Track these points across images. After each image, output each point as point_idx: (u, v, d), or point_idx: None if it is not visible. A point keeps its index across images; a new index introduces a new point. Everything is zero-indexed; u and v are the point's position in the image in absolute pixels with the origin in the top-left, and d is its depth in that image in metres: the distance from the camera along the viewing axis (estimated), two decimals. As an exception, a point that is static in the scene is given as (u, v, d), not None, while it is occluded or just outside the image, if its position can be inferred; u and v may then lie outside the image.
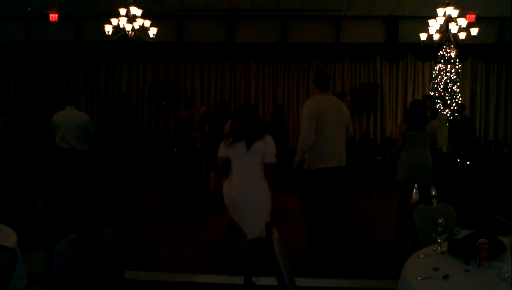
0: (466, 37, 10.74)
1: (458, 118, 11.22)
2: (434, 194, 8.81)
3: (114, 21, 10.54)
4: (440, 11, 10.51)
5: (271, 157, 4.47)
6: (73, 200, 7.19)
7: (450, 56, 11.76)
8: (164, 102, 13.14)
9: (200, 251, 5.82)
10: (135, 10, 10.39)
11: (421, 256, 2.90)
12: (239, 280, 4.72)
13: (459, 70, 12.18)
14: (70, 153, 7.20)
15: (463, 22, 10.57)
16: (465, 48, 11.90)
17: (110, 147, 8.03)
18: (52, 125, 7.38)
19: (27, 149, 7.90)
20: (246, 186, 4.49)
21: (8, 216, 6.97)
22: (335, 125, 5.47)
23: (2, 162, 8.44)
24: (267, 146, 4.47)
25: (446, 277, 2.52)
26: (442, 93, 11.77)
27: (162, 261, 5.46)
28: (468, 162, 10.14)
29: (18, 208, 7.48)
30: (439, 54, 11.89)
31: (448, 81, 11.77)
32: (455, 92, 11.74)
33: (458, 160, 10.15)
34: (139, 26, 10.60)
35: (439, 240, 2.92)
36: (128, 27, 10.43)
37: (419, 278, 2.51)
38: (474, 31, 10.77)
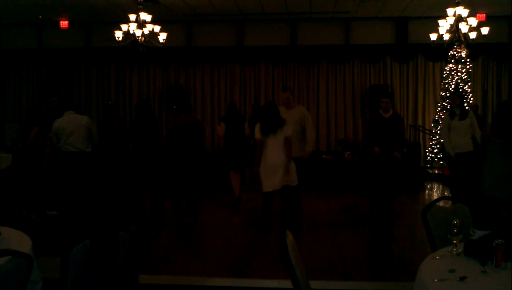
0: (476, 36, 10.67)
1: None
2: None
3: (124, 26, 10.61)
4: (450, 11, 10.44)
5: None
6: (84, 204, 7.22)
7: (461, 56, 11.69)
8: (174, 106, 13.17)
9: (214, 255, 5.82)
10: (145, 16, 10.44)
11: (437, 257, 2.87)
12: (253, 283, 4.72)
13: (470, 70, 12.10)
14: (78, 157, 7.23)
15: (473, 21, 10.50)
16: (476, 48, 11.82)
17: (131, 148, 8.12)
18: (54, 132, 7.35)
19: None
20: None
21: (26, 222, 7.06)
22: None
23: (17, 170, 8.53)
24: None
25: (462, 278, 2.49)
26: (453, 93, 11.69)
27: (176, 266, 5.45)
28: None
29: (37, 214, 7.56)
30: (449, 54, 11.82)
31: (459, 81, 11.70)
32: (466, 92, 11.66)
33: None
34: (149, 31, 10.66)
35: (454, 241, 2.90)
36: (138, 33, 10.48)
37: (435, 280, 2.49)
38: (484, 30, 10.71)
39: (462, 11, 10.35)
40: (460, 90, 11.62)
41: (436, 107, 12.62)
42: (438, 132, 11.90)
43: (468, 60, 11.79)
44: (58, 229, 7.02)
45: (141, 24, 10.51)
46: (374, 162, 7.98)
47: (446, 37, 10.67)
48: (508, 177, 4.98)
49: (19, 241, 3.12)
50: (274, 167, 6.52)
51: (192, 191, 8.48)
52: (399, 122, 7.98)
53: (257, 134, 6.64)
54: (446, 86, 11.87)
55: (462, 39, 10.77)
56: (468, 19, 10.45)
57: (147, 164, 7.93)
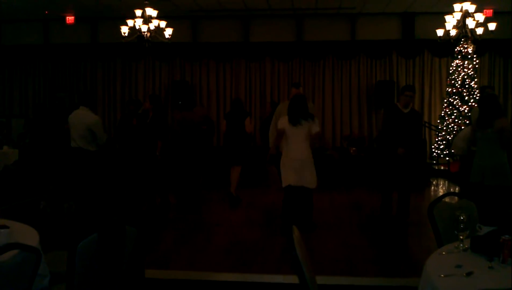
0: (483, 32, 10.63)
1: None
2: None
3: (130, 22, 10.63)
4: (457, 6, 10.41)
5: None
6: (84, 199, 7.21)
7: (467, 51, 11.64)
8: (180, 102, 13.15)
9: (218, 250, 5.83)
10: (151, 11, 10.46)
11: (443, 253, 2.87)
12: (257, 278, 4.72)
13: (477, 66, 12.04)
14: (77, 153, 7.17)
15: (480, 17, 10.46)
16: (483, 44, 11.74)
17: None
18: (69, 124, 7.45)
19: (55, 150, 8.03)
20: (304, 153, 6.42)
21: (38, 213, 7.08)
22: None
23: (26, 165, 8.57)
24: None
25: (469, 274, 2.49)
26: (460, 89, 11.66)
27: (181, 262, 5.47)
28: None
29: (49, 205, 7.59)
30: (456, 50, 11.78)
31: (465, 77, 11.65)
32: (472, 88, 11.62)
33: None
34: (155, 27, 10.68)
35: (461, 237, 2.89)
36: (144, 28, 10.51)
37: (442, 275, 2.49)
38: (491, 26, 10.65)
39: (469, 6, 10.32)
40: (467, 86, 11.58)
41: (442, 103, 12.57)
42: (444, 128, 11.87)
43: (474, 56, 11.74)
44: (66, 223, 7.05)
45: (147, 20, 10.53)
46: (391, 162, 7.06)
47: (453, 33, 10.63)
48: (489, 166, 5.54)
49: (27, 234, 3.14)
50: (295, 161, 6.39)
51: (193, 187, 8.47)
52: (418, 118, 7.35)
53: (280, 124, 6.49)
54: (453, 82, 11.82)
55: (469, 35, 10.73)
56: (475, 14, 10.42)
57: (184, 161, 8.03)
